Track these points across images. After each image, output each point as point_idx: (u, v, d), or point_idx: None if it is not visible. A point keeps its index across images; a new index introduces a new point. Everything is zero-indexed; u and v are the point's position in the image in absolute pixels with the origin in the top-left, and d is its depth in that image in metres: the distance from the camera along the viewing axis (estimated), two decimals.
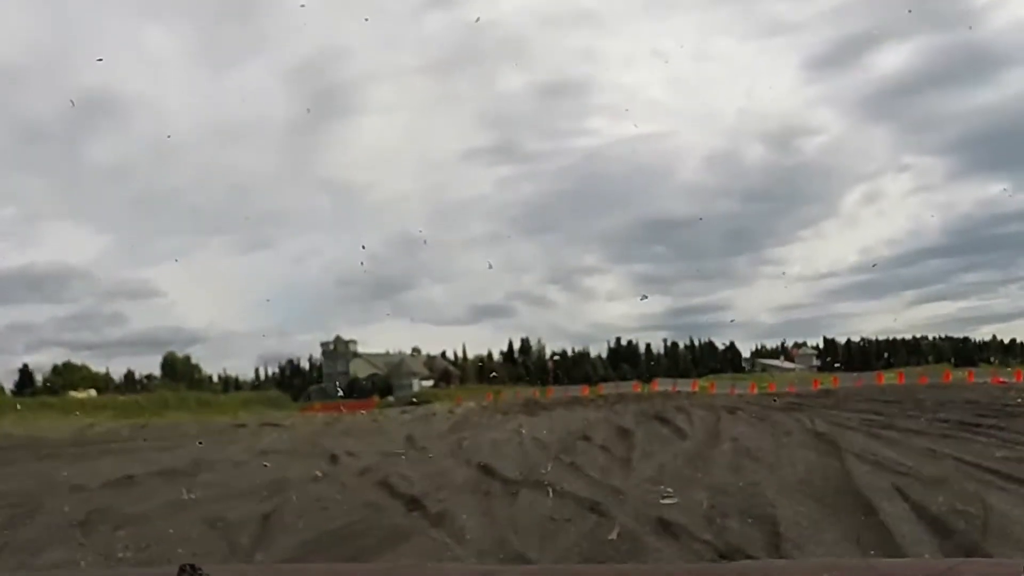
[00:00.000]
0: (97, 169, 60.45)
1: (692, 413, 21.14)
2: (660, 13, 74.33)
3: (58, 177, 66.84)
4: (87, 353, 79.17)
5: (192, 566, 1.60)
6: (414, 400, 45.77)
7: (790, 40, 71.47)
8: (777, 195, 72.98)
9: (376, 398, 52.65)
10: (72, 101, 60.71)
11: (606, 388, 43.62)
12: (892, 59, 77.33)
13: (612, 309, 79.41)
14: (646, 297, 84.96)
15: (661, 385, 42.93)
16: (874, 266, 64.98)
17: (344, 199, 66.33)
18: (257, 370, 65.39)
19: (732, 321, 72.68)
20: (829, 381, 38.28)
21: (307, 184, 72.65)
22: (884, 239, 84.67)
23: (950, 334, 65.29)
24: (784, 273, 66.45)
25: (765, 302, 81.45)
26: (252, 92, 61.18)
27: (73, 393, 46.63)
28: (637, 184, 71.79)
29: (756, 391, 36.44)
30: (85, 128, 64.84)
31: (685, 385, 42.12)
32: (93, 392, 47.87)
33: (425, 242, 71.54)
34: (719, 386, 40.70)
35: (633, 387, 42.94)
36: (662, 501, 8.07)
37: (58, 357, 68.29)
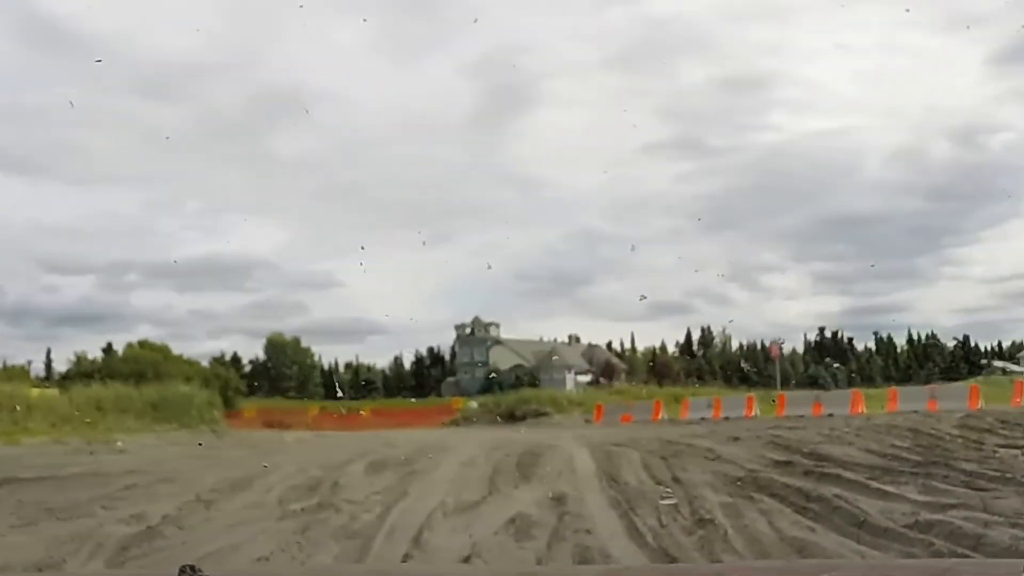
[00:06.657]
0: (282, 162, 59.91)
1: None
2: (846, 5, 67.46)
3: (244, 170, 66.50)
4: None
5: (192, 567, 1.62)
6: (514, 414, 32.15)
7: (977, 33, 64.05)
8: (961, 193, 66.99)
9: (459, 400, 39.69)
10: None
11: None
12: None
13: (790, 308, 75.16)
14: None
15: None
16: None
17: (525, 193, 63.95)
18: (396, 358, 60.67)
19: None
20: None
21: (488, 178, 70.82)
22: None
23: None
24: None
25: (947, 304, 78.76)
26: (434, 86, 59.81)
27: None
28: (819, 180, 68.12)
29: None
30: (271, 122, 64.41)
31: None
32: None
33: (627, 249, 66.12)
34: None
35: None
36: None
37: (238, 344, 70.72)
